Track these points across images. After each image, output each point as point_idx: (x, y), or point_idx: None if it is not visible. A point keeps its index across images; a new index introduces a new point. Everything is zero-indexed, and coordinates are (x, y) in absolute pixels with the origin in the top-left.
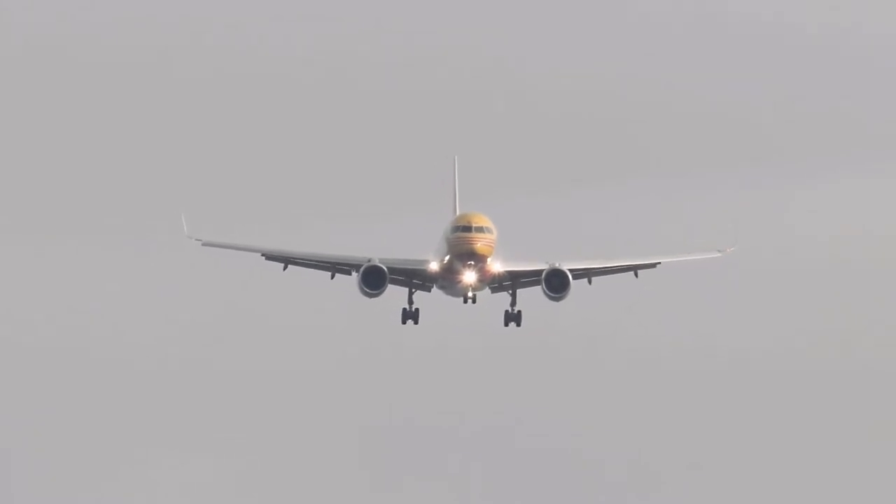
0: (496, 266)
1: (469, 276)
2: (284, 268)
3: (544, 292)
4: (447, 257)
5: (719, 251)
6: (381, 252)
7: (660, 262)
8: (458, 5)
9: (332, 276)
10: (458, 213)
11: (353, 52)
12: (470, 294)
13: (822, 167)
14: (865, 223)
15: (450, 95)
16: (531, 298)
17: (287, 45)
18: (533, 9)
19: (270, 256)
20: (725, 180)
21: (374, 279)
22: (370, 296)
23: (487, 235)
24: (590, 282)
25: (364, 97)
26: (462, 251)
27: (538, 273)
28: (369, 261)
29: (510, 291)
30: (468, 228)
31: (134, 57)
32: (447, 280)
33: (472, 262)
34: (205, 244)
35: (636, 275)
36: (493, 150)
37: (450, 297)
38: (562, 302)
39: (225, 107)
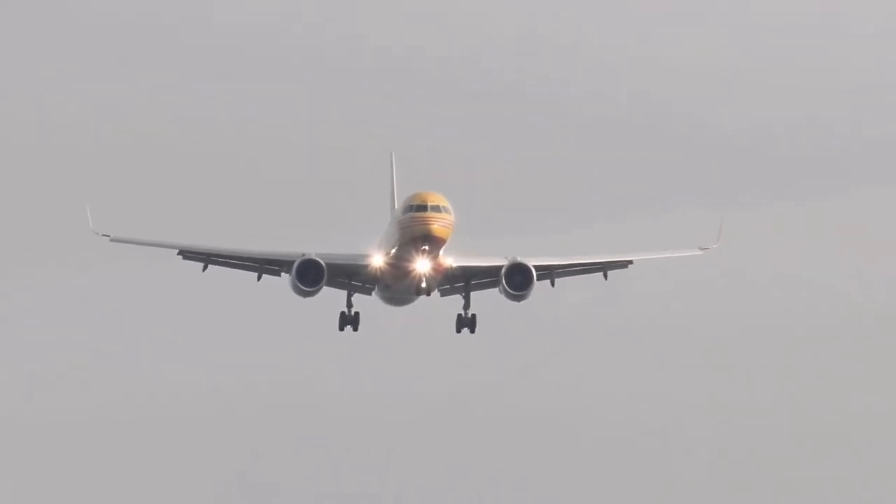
0: (449, 260)
1: (422, 265)
2: (204, 268)
3: (504, 290)
4: (396, 246)
5: (701, 249)
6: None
7: (632, 261)
8: None
9: (259, 278)
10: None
11: (281, 41)
12: (424, 285)
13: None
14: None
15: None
16: (486, 301)
17: (219, 29)
18: None
19: (188, 254)
20: None
21: (310, 274)
22: (306, 294)
23: (445, 216)
24: (553, 283)
25: (292, 85)
26: (416, 233)
27: (495, 270)
28: (304, 255)
29: (463, 294)
30: (423, 207)
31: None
32: (394, 275)
33: (427, 247)
34: (113, 240)
35: (605, 276)
36: (431, 144)
37: (392, 307)
38: (522, 302)
39: (137, 89)
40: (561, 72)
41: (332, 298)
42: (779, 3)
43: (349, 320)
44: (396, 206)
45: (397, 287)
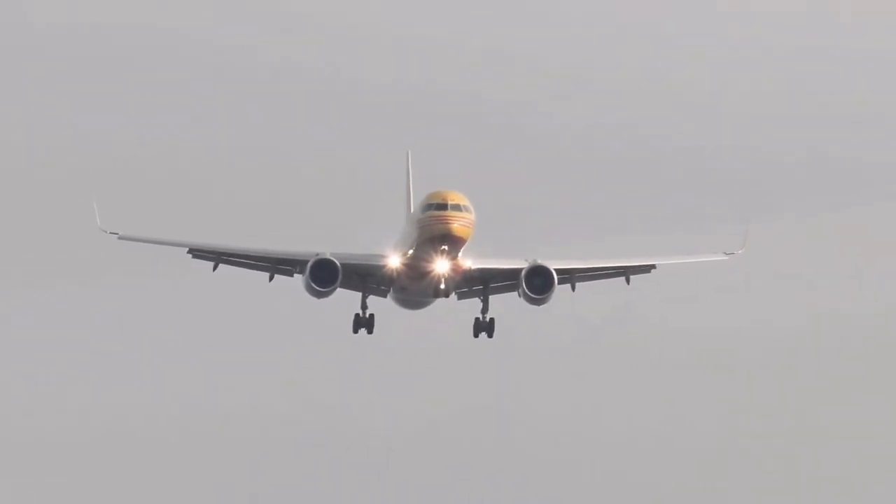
0: (468, 262)
1: (441, 266)
2: (215, 267)
3: (524, 293)
4: (414, 246)
5: (726, 254)
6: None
7: (655, 266)
8: None
9: (271, 278)
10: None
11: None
12: (442, 286)
13: None
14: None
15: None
16: (505, 305)
17: (228, 30)
18: None
19: (199, 253)
20: None
21: (324, 275)
22: (320, 294)
23: (466, 215)
24: (573, 287)
25: (308, 86)
26: (435, 232)
27: (515, 273)
28: (318, 254)
29: (481, 297)
30: (443, 206)
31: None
32: (411, 276)
33: (447, 247)
34: (121, 238)
35: (627, 281)
36: (448, 146)
37: (407, 310)
38: (543, 306)
39: (146, 87)
40: (578, 87)
41: (346, 300)
42: (795, 21)
43: (363, 322)
44: (413, 206)
45: (414, 289)
